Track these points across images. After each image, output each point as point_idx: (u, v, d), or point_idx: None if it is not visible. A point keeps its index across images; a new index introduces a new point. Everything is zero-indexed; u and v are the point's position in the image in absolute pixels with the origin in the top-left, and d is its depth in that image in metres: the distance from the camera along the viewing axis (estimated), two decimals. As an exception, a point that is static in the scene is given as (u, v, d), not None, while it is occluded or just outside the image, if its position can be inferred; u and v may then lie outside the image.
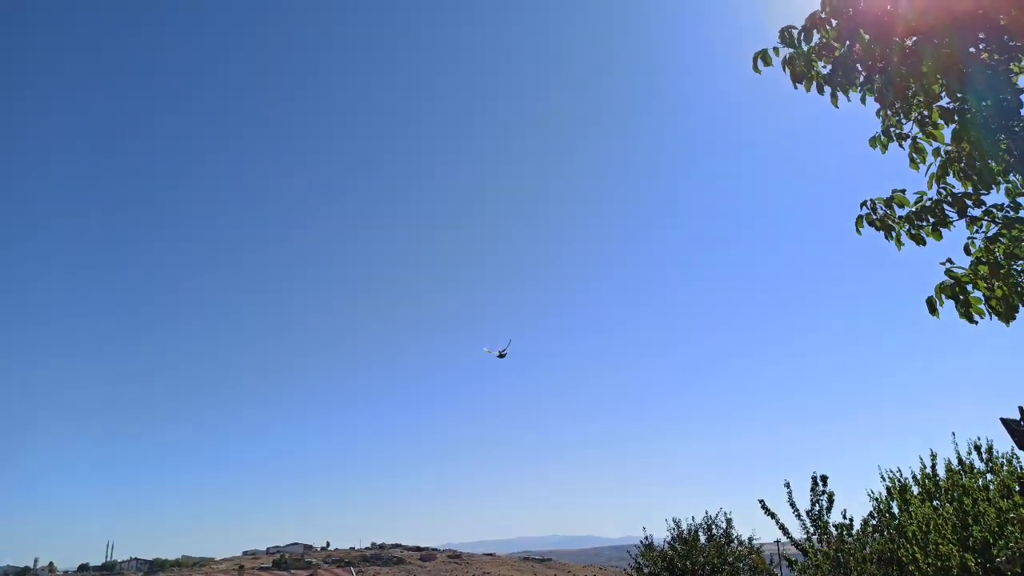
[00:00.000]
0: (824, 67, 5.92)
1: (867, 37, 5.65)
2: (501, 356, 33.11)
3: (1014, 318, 5.40)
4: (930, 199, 5.73)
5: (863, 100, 5.86)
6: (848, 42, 5.71)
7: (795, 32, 5.91)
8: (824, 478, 13.89)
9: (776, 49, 6.00)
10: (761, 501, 14.45)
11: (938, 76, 5.50)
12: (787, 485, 14.03)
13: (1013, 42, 5.47)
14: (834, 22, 5.74)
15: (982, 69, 5.45)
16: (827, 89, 5.90)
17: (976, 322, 5.41)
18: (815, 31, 5.80)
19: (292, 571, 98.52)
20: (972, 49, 5.46)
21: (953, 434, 12.86)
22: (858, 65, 5.75)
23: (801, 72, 5.91)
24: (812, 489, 13.87)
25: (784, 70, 6.02)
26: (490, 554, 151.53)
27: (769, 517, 14.30)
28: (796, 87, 5.95)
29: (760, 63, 5.99)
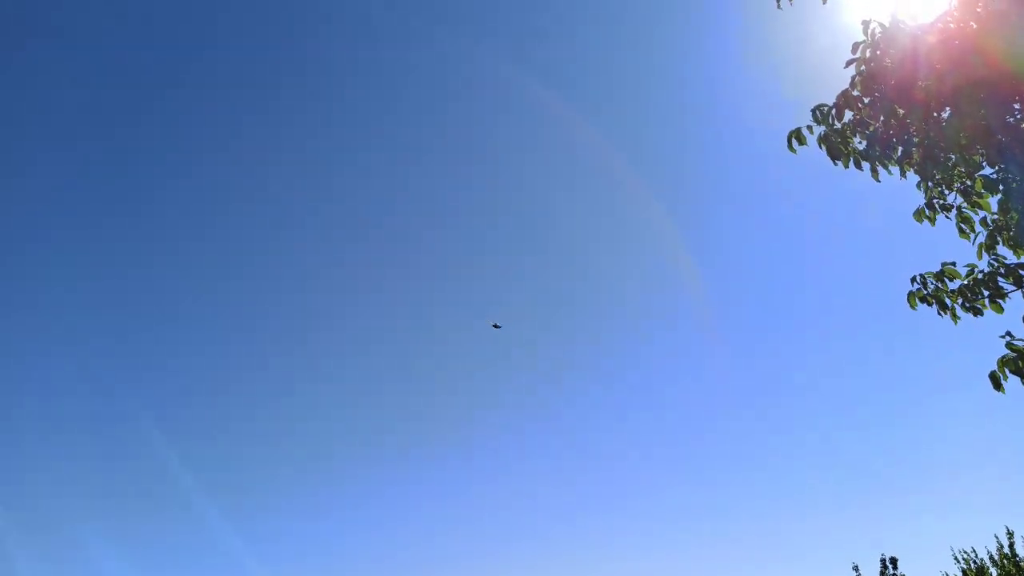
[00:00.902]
0: (860, 143, 5.94)
1: (901, 111, 5.68)
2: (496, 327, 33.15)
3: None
4: (981, 271, 5.59)
5: (903, 174, 5.83)
6: (882, 117, 5.73)
7: (827, 110, 5.97)
8: (894, 560, 13.12)
9: (810, 127, 6.05)
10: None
11: (977, 147, 5.47)
12: (855, 569, 13.27)
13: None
14: (866, 99, 5.79)
15: (1020, 138, 5.40)
16: (865, 164, 5.89)
17: (1045, 396, 5.17)
18: (847, 109, 5.85)
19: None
20: (1009, 118, 5.43)
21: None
22: (894, 139, 5.75)
23: (837, 149, 5.93)
24: (882, 573, 13.09)
25: (820, 147, 6.06)
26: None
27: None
28: (835, 164, 5.96)
29: (795, 142, 6.03)
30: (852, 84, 5.82)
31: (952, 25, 5.88)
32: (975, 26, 5.81)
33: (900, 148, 5.73)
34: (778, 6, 5.41)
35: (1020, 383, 5.35)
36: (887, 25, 5.64)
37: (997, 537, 12.18)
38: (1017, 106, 5.47)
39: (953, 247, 5.92)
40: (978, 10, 5.79)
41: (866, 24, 5.68)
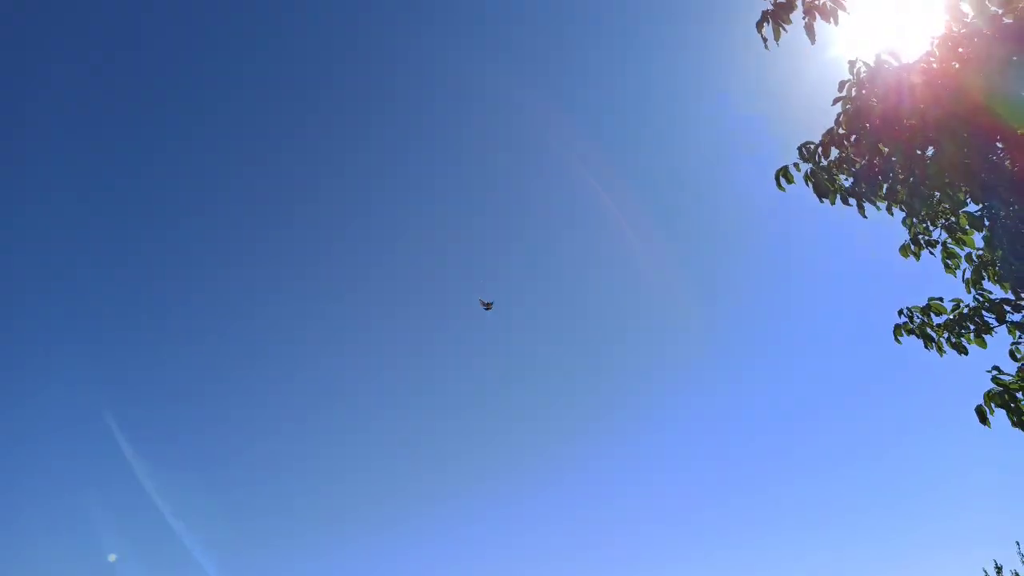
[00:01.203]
0: (846, 180, 6.02)
1: (886, 149, 5.77)
2: (487, 307, 33.18)
3: (1071, 426, 5.23)
4: (967, 306, 5.67)
5: (889, 210, 5.91)
6: (867, 155, 5.82)
7: (813, 147, 6.06)
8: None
9: (797, 165, 6.13)
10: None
11: (961, 184, 5.56)
12: None
13: (1033, 149, 5.54)
14: (851, 137, 5.88)
15: (1003, 176, 5.50)
16: (852, 201, 5.97)
17: (1032, 431, 5.24)
18: (832, 147, 5.94)
19: None
20: (992, 156, 5.53)
21: (1018, 543, 12.17)
22: (879, 177, 5.83)
23: (824, 187, 6.01)
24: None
25: (807, 184, 6.14)
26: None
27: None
28: (822, 201, 6.04)
29: (783, 180, 6.11)
30: (837, 122, 5.91)
31: (935, 65, 5.99)
32: (957, 66, 5.92)
33: (885, 185, 5.81)
34: (765, 47, 5.48)
35: (1007, 417, 5.42)
36: (872, 64, 5.73)
37: (985, 571, 12.22)
38: (999, 144, 5.57)
39: (939, 281, 6.01)
40: (960, 51, 5.90)
41: (852, 63, 5.77)
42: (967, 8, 5.42)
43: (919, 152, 5.64)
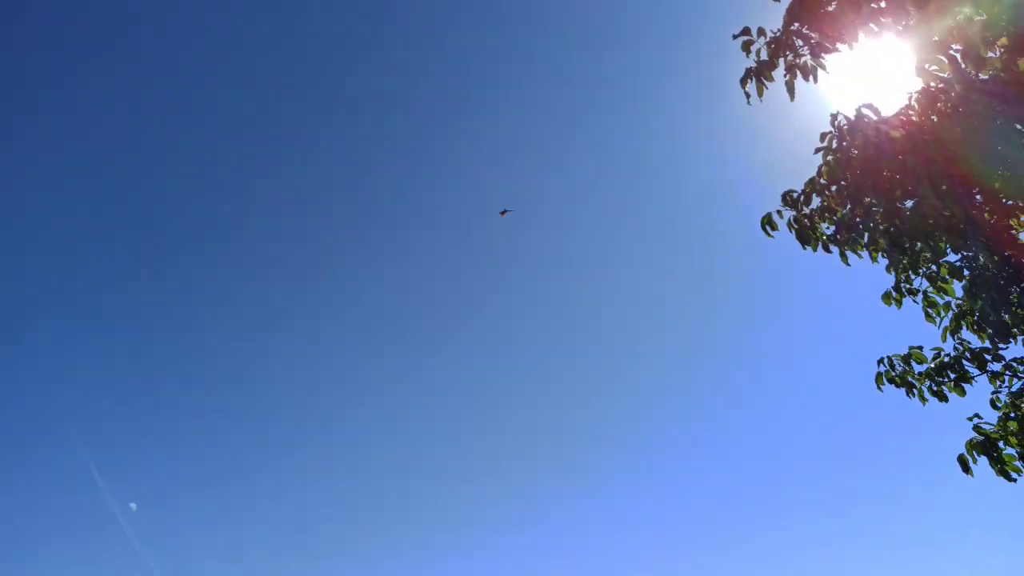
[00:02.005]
0: (828, 228, 6.14)
1: (867, 199, 5.89)
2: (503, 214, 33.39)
3: (1051, 474, 5.32)
4: (947, 355, 5.77)
5: (873, 258, 6.02)
6: (849, 204, 5.94)
7: (796, 196, 6.17)
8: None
9: (780, 212, 6.25)
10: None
11: (941, 235, 5.68)
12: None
13: (1010, 201, 5.68)
14: (833, 187, 6.00)
15: (982, 227, 5.63)
16: (834, 249, 6.08)
17: (1014, 479, 5.33)
18: (815, 195, 6.06)
19: None
20: (971, 209, 5.66)
21: None
22: (860, 226, 5.95)
23: (806, 234, 6.12)
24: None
25: (790, 231, 6.24)
26: None
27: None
28: (804, 248, 6.14)
29: (768, 228, 6.22)
30: (819, 172, 6.03)
31: (914, 118, 6.14)
32: (935, 119, 6.07)
33: (866, 234, 5.92)
34: (748, 102, 5.60)
35: (989, 465, 5.51)
36: (852, 117, 5.86)
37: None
38: (978, 196, 5.71)
39: (917, 329, 6.11)
40: (938, 105, 6.05)
41: (833, 116, 5.90)
42: (943, 66, 5.55)
43: (900, 203, 5.76)
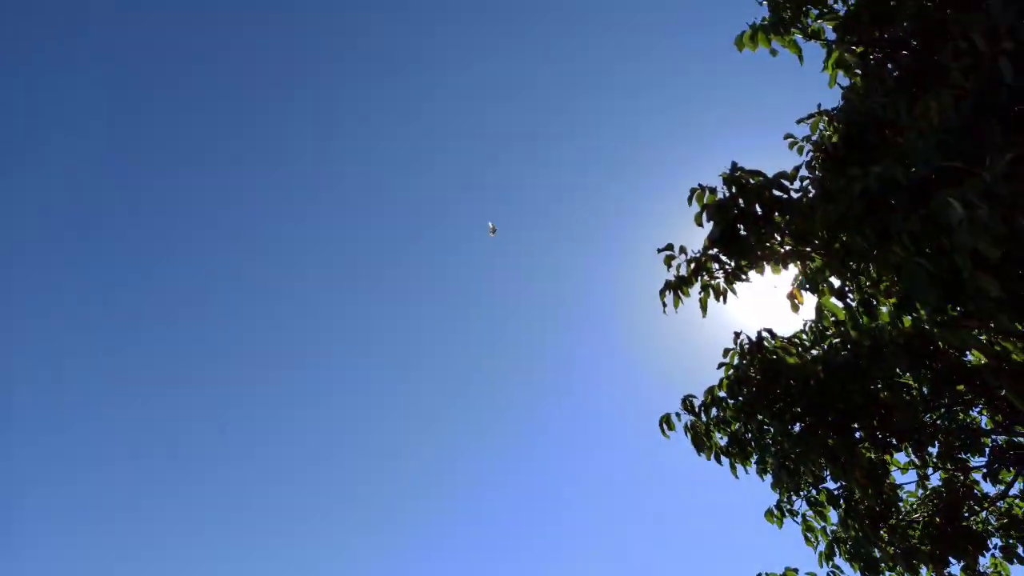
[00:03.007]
0: (722, 438, 6.33)
1: (760, 417, 6.14)
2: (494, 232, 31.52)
3: None
4: (822, 582, 5.95)
5: (760, 475, 6.21)
6: (742, 421, 6.16)
7: (696, 403, 6.35)
8: None
9: (679, 415, 6.39)
10: None
11: (823, 461, 5.98)
12: None
13: (889, 438, 6.11)
14: (730, 401, 6.23)
15: (859, 462, 5.99)
16: (725, 460, 6.25)
17: None
18: (713, 407, 6.26)
19: None
20: (853, 441, 6.02)
21: None
22: (752, 443, 6.17)
23: (701, 441, 6.27)
24: None
25: (686, 435, 6.38)
26: None
27: None
28: (699, 455, 6.27)
29: (666, 427, 6.33)
30: (720, 384, 6.26)
31: (807, 343, 6.59)
32: (825, 347, 6.54)
33: (756, 453, 6.13)
34: (664, 312, 5.78)
35: None
36: (753, 338, 6.19)
37: None
38: (859, 433, 6.08)
39: (800, 550, 6.29)
40: (828, 332, 6.54)
41: (737, 334, 6.21)
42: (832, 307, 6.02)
43: (790, 427, 6.03)
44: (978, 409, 7.40)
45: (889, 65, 4.87)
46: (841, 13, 5.02)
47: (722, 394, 6.26)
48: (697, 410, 6.34)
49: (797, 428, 6.07)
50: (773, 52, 5.42)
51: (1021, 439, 7.02)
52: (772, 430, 6.00)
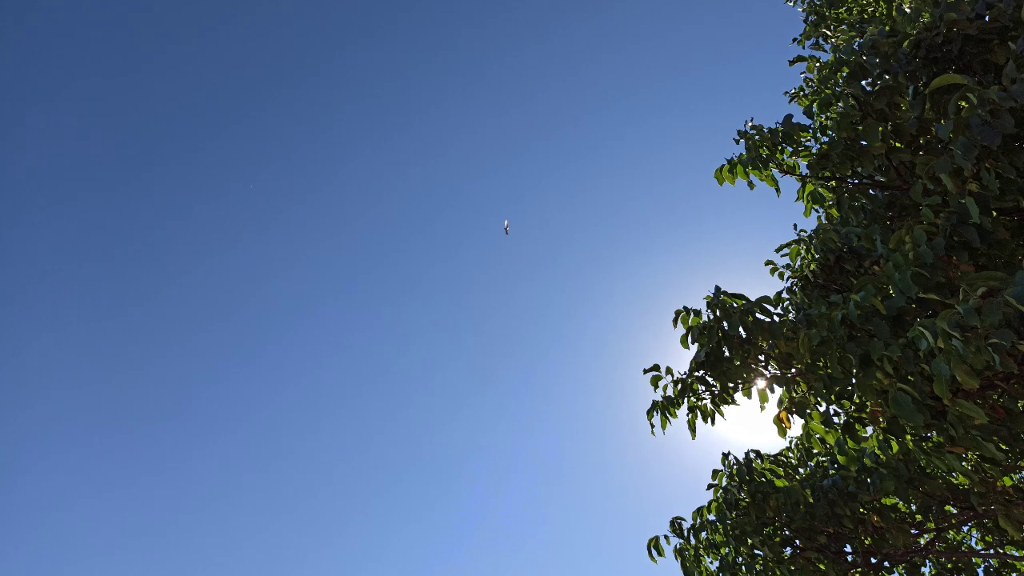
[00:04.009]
0: (712, 563, 6.17)
1: (751, 542, 6.03)
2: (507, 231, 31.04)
3: None
4: None
5: (752, 605, 6.02)
6: (733, 547, 6.04)
7: (684, 525, 6.23)
8: None
9: (667, 537, 6.25)
10: None
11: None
12: None
13: (882, 561, 6.00)
14: (720, 525, 6.12)
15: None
16: (717, 587, 6.06)
17: None
18: (702, 531, 6.13)
19: None
20: (846, 568, 5.90)
21: None
22: (744, 567, 6.01)
23: (690, 568, 6.11)
24: None
25: (676, 559, 6.22)
26: None
27: None
28: (687, 580, 6.09)
29: (654, 551, 6.17)
30: (709, 506, 6.16)
31: (794, 461, 6.57)
32: (812, 465, 6.52)
33: (748, 578, 5.97)
34: (652, 433, 5.78)
35: None
36: (741, 459, 6.16)
37: None
38: (851, 557, 5.97)
39: None
40: (815, 452, 6.54)
41: (725, 455, 6.18)
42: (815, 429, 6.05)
43: (781, 551, 5.91)
44: (967, 528, 7.35)
45: (863, 199, 5.13)
46: (814, 150, 5.33)
47: (711, 517, 6.16)
48: (686, 533, 6.21)
49: (788, 552, 5.96)
50: (751, 185, 5.70)
51: (1012, 560, 6.93)
52: (763, 555, 5.86)
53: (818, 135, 5.47)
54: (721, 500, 6.09)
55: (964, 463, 5.55)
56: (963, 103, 4.02)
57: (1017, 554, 6.82)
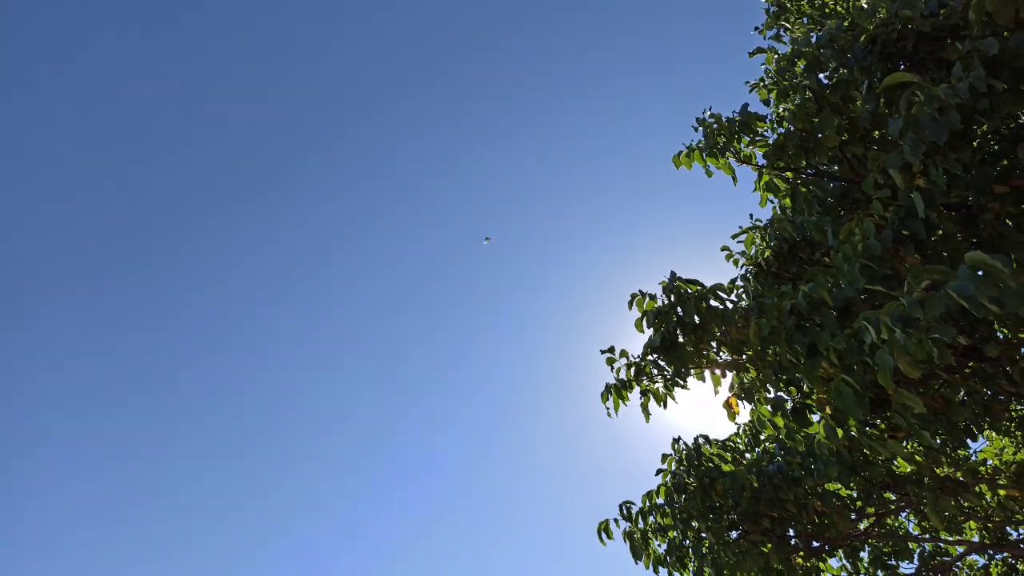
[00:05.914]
0: (660, 546, 6.27)
1: (696, 524, 6.14)
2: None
3: None
4: None
5: (698, 585, 6.15)
6: (679, 529, 6.15)
7: (634, 509, 6.32)
8: None
9: (617, 521, 6.33)
10: None
11: (756, 570, 5.98)
12: None
13: (823, 544, 6.17)
14: (668, 509, 6.22)
15: (800, 568, 6.04)
16: (663, 570, 6.18)
17: None
18: (651, 514, 6.23)
19: None
20: (790, 552, 6.06)
21: None
22: (690, 550, 6.13)
23: (639, 549, 6.20)
24: None
25: (625, 541, 6.31)
26: None
27: None
28: (636, 563, 6.19)
29: (604, 535, 6.25)
30: (658, 490, 6.25)
31: (741, 447, 6.70)
32: (759, 451, 6.66)
33: (694, 560, 6.09)
34: (608, 415, 5.83)
35: None
36: (691, 445, 6.26)
37: None
38: (794, 540, 6.13)
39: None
40: (762, 437, 6.68)
41: (675, 440, 6.27)
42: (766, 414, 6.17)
43: (727, 533, 6.04)
44: (905, 514, 7.61)
45: (817, 190, 5.21)
46: (771, 141, 5.38)
47: (660, 500, 6.25)
48: (635, 517, 6.29)
49: (734, 535, 6.08)
50: (709, 173, 5.74)
51: (945, 544, 7.20)
52: (708, 537, 5.98)
53: (775, 126, 5.54)
54: (670, 484, 6.18)
55: (906, 449, 5.72)
56: (916, 98, 4.09)
57: (950, 538, 7.09)
